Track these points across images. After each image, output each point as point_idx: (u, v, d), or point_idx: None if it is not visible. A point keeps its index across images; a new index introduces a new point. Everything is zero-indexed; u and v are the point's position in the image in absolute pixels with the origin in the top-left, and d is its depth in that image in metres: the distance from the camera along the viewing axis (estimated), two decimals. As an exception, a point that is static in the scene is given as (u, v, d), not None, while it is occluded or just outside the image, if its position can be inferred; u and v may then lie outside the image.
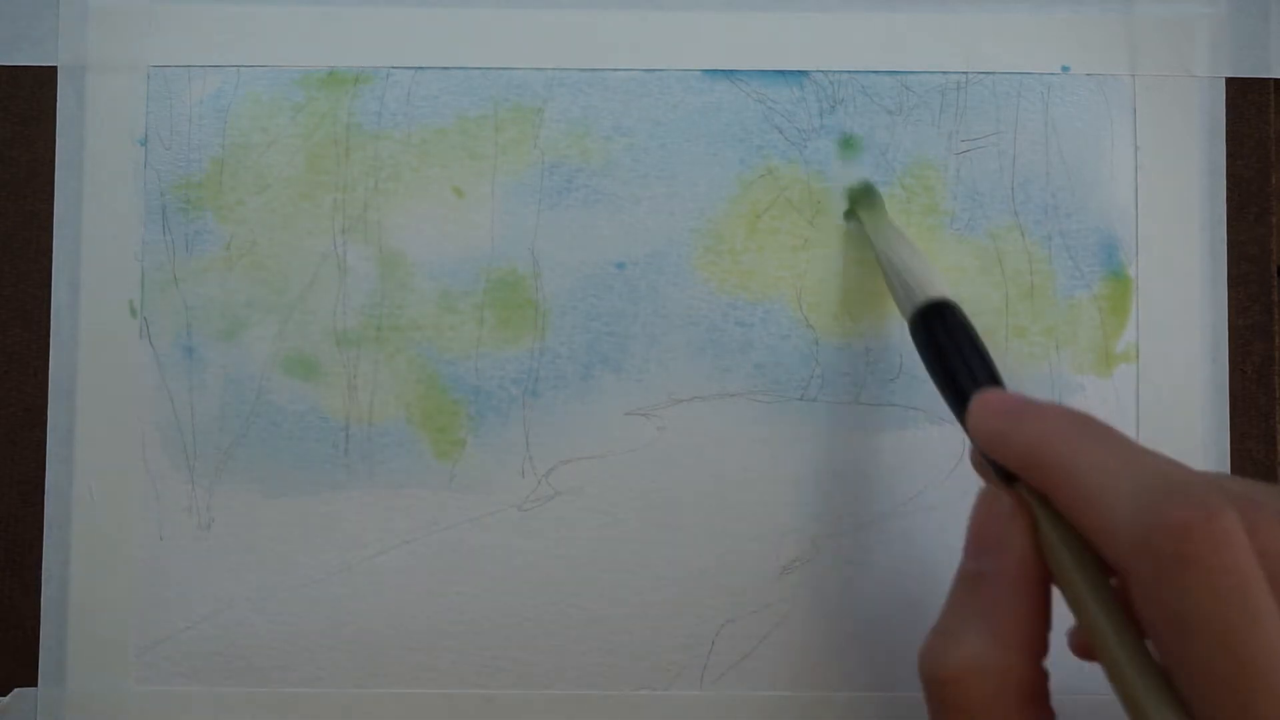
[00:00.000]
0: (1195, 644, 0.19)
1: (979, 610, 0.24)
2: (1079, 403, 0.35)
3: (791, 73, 0.36)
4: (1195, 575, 0.20)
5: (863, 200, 0.35)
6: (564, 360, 0.35)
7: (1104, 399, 0.35)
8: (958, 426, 0.35)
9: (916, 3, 0.36)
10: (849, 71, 0.36)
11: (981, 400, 0.26)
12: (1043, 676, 0.23)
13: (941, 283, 0.31)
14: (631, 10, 0.36)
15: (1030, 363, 0.35)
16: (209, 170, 0.36)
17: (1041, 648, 0.23)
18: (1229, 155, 0.36)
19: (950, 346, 0.29)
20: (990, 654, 0.23)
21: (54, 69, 0.36)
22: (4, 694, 0.35)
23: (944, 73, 0.36)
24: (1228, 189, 0.36)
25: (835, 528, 0.35)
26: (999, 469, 0.25)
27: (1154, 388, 0.35)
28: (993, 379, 0.28)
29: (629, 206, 0.36)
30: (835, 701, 0.35)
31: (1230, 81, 0.36)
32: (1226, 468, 0.35)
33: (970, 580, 0.24)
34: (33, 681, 0.35)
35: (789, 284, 0.35)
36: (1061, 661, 0.26)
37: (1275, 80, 0.36)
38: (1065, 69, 0.36)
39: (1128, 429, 0.35)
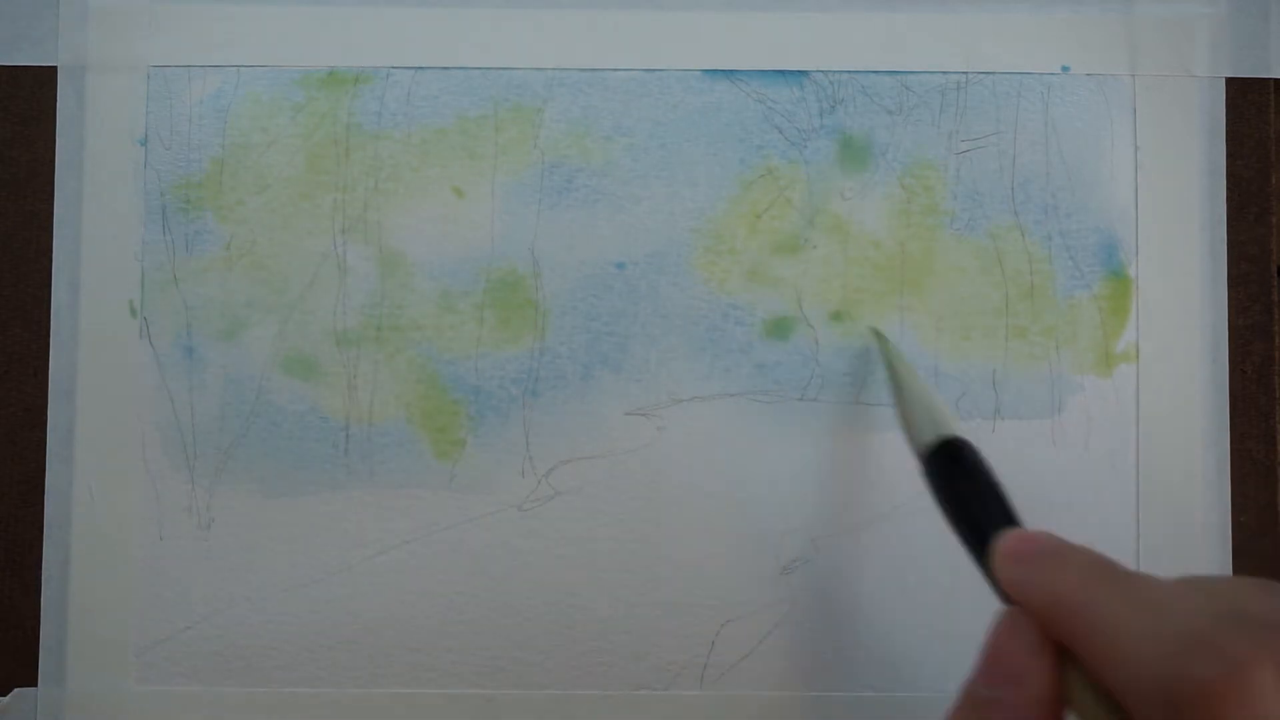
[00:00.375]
0: None
1: None
2: (1079, 402, 0.35)
3: (791, 73, 0.36)
4: None
5: (876, 339, 0.35)
6: (564, 360, 0.35)
7: (1104, 399, 0.35)
8: (958, 426, 0.35)
9: (916, 3, 0.36)
10: (849, 71, 0.36)
11: (1002, 545, 0.25)
12: None
13: (955, 421, 0.31)
14: (631, 10, 0.36)
15: (1030, 363, 0.35)
16: (209, 170, 0.36)
17: None
18: (1229, 155, 0.36)
19: (966, 487, 0.29)
20: None
21: (54, 69, 0.36)
22: (4, 694, 0.35)
23: (944, 73, 0.36)
24: (1228, 189, 0.36)
25: (835, 528, 0.35)
26: None
27: (1154, 388, 0.35)
28: (1009, 519, 0.27)
29: (629, 206, 0.36)
30: (835, 701, 0.35)
31: (1230, 81, 0.36)
32: (1226, 468, 0.35)
33: (981, 705, 0.23)
34: (33, 681, 0.35)
35: (789, 284, 0.35)
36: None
37: (1275, 80, 0.36)
38: (1065, 69, 0.36)
39: (1128, 429, 0.35)
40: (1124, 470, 0.35)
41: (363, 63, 0.36)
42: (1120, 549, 0.35)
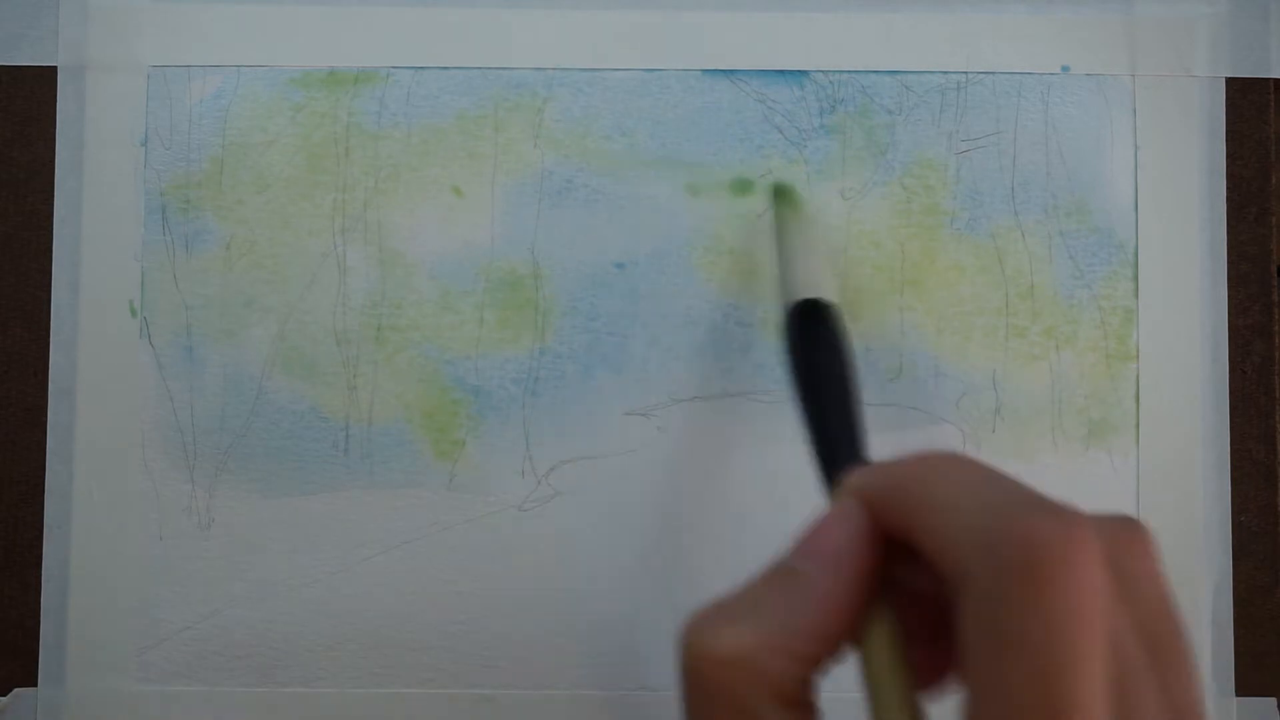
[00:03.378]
0: (1011, 669, 0.17)
1: (779, 606, 0.21)
2: (1078, 402, 0.35)
3: (791, 73, 0.36)
4: (1036, 591, 0.17)
5: (783, 199, 0.35)
6: (564, 360, 0.35)
7: (1104, 399, 0.35)
8: (958, 426, 0.35)
9: (916, 3, 0.36)
10: (849, 71, 0.36)
11: (856, 474, 0.24)
12: (808, 686, 0.21)
13: (828, 286, 0.29)
14: (631, 10, 0.36)
15: (1030, 363, 0.35)
16: (208, 170, 0.36)
17: (819, 663, 0.21)
18: (1229, 155, 0.36)
19: (816, 358, 0.27)
20: (769, 652, 0.21)
21: (54, 69, 0.36)
22: (4, 694, 0.35)
23: (944, 73, 0.36)
24: (1228, 189, 0.36)
25: (835, 528, 0.35)
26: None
27: (1154, 388, 0.35)
28: (847, 407, 0.26)
29: (629, 206, 0.36)
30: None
31: (1230, 81, 0.36)
32: (1226, 468, 0.35)
33: (782, 575, 0.22)
34: (33, 681, 0.35)
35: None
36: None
37: (1275, 80, 0.36)
38: (1065, 69, 0.36)
39: (1128, 428, 0.35)
40: (1124, 470, 0.35)
41: (363, 63, 0.36)
42: (1120, 549, 0.35)
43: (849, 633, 0.21)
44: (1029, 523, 0.18)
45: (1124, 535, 0.20)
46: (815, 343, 0.27)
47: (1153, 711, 0.18)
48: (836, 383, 0.26)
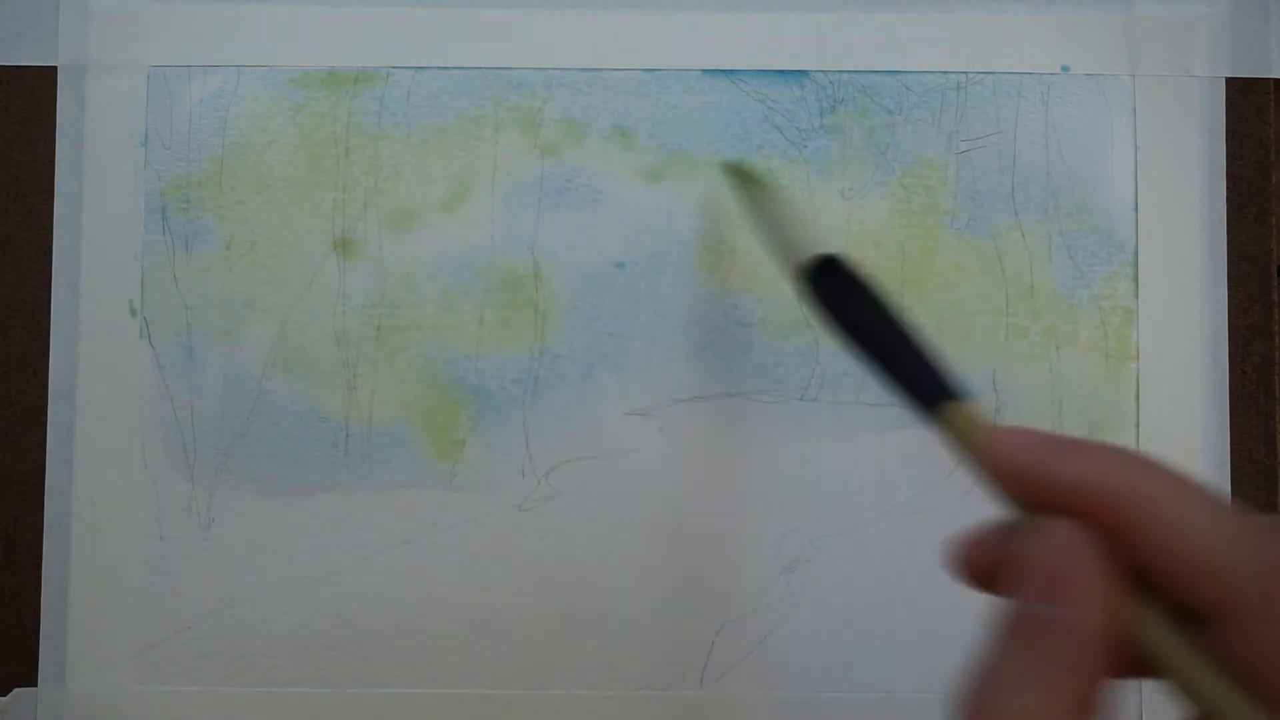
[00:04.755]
0: None
1: (1042, 661, 0.20)
2: (1078, 402, 0.35)
3: (791, 73, 0.36)
4: None
5: (741, 177, 0.34)
6: (564, 360, 0.35)
7: (1104, 398, 0.35)
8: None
9: (916, 3, 0.36)
10: (849, 71, 0.36)
11: (1009, 434, 0.22)
12: None
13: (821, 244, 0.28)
14: (631, 10, 0.36)
15: (1030, 363, 0.35)
16: (208, 170, 0.36)
17: (1100, 707, 0.20)
18: (1229, 155, 0.36)
19: (863, 306, 0.26)
20: (1055, 714, 0.20)
21: (54, 69, 0.36)
22: (4, 694, 0.35)
23: (944, 73, 0.36)
24: (1228, 189, 0.36)
25: (835, 528, 0.35)
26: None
27: (1154, 388, 0.35)
28: (917, 341, 0.25)
29: (629, 206, 0.36)
30: (835, 701, 0.35)
31: (1230, 81, 0.36)
32: (1226, 468, 0.35)
33: (1030, 625, 0.20)
34: (33, 681, 0.35)
35: (789, 284, 0.35)
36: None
37: (1275, 80, 0.36)
38: (1065, 69, 0.36)
39: (1128, 429, 0.35)
40: (1124, 470, 0.35)
41: (363, 63, 0.36)
42: (1120, 549, 0.35)
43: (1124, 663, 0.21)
44: None
45: None
46: (854, 291, 0.27)
47: None
48: (893, 322, 0.26)
